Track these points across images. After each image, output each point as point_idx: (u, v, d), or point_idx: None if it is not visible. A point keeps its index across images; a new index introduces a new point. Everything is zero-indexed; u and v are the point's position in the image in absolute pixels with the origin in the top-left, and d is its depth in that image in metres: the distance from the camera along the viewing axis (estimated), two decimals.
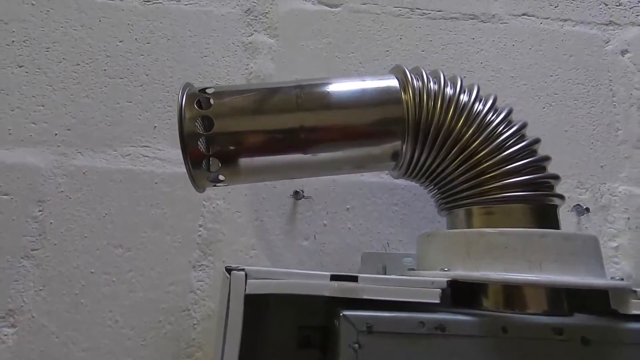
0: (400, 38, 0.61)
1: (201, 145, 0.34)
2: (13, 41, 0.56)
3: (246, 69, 0.58)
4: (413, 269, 0.44)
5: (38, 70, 0.55)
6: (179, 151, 0.54)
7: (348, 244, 0.51)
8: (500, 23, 0.62)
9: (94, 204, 0.50)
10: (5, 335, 0.45)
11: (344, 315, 0.28)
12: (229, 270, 0.30)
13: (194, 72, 0.57)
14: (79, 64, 0.56)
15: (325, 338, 0.41)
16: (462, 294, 0.34)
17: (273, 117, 0.35)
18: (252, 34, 0.59)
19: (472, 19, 0.62)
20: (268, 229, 0.51)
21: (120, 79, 0.56)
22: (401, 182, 0.54)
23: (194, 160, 0.34)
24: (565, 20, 0.62)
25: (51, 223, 0.49)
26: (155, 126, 0.54)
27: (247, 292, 0.29)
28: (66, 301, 0.47)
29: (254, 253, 0.50)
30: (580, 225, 0.52)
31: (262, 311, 0.41)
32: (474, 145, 0.35)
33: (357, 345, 0.28)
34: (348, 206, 0.52)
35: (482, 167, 0.35)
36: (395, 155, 0.38)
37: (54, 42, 0.57)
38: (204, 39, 0.59)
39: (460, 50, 0.60)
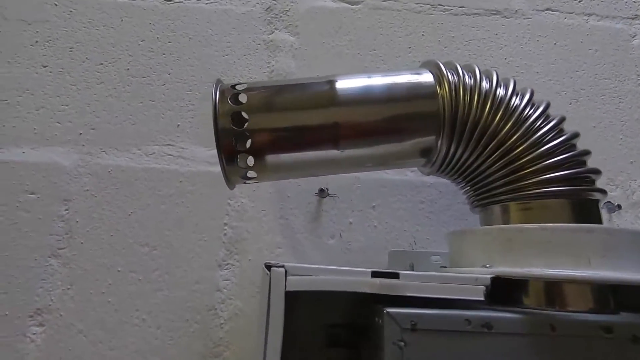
0: (423, 34, 0.60)
1: (235, 141, 0.34)
2: (37, 41, 0.56)
3: (267, 66, 0.58)
4: (444, 267, 0.43)
5: (62, 70, 0.56)
6: (203, 149, 0.54)
7: (374, 242, 0.50)
8: (524, 18, 0.61)
9: (119, 203, 0.50)
10: (34, 334, 0.45)
11: (387, 312, 0.28)
12: (268, 266, 0.30)
13: (216, 70, 0.57)
14: (102, 64, 0.56)
15: (354, 336, 0.40)
16: (499, 291, 0.33)
17: (306, 113, 0.35)
18: (272, 32, 0.59)
19: (494, 14, 0.61)
20: (293, 227, 0.51)
21: (143, 77, 0.56)
22: (427, 179, 0.53)
23: (228, 156, 0.34)
24: (590, 14, 0.61)
25: (77, 222, 0.49)
26: (178, 125, 0.54)
27: (288, 289, 0.29)
28: (94, 300, 0.47)
29: (279, 252, 0.50)
30: (612, 223, 0.51)
31: (291, 309, 0.40)
32: (511, 141, 0.35)
33: (402, 343, 0.27)
34: (373, 204, 0.52)
35: (520, 162, 0.35)
36: (429, 151, 0.37)
37: (77, 42, 0.57)
38: (224, 38, 0.59)
39: (483, 46, 0.60)
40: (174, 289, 0.48)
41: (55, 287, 0.47)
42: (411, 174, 0.53)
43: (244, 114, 0.34)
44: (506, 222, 0.36)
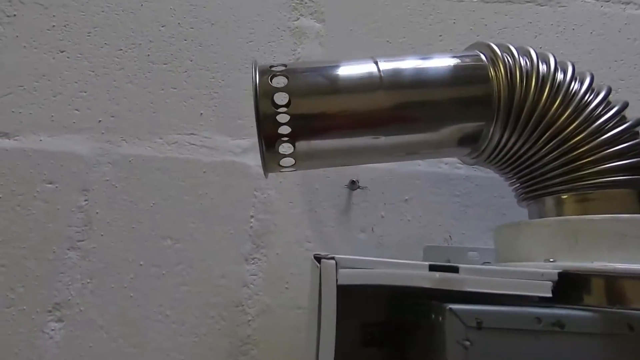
0: (454, 22, 0.58)
1: (275, 125, 0.32)
2: (53, 26, 0.54)
3: (293, 54, 0.56)
4: (488, 262, 0.41)
5: (80, 55, 0.53)
6: (227, 139, 0.52)
7: (408, 237, 0.48)
8: (559, 6, 0.58)
9: (141, 193, 0.48)
10: (53, 330, 0.43)
11: (450, 309, 0.26)
12: (318, 258, 0.28)
13: (240, 57, 0.55)
14: (121, 49, 0.54)
15: (390, 335, 0.38)
16: (558, 287, 0.31)
17: (352, 96, 0.32)
18: (298, 19, 0.57)
19: (528, 2, 0.59)
20: (322, 220, 0.48)
21: (164, 64, 0.54)
22: (462, 172, 0.51)
23: (268, 141, 0.32)
24: (627, 3, 0.59)
25: (97, 213, 0.47)
26: (201, 113, 0.52)
27: (339, 282, 0.27)
28: (115, 295, 0.45)
29: (308, 245, 0.47)
30: None
31: None
32: (570, 128, 0.32)
33: (468, 343, 0.25)
34: (406, 197, 0.50)
35: (578, 151, 0.32)
36: (478, 138, 0.35)
37: (95, 26, 0.55)
38: (248, 24, 0.56)
39: (517, 35, 0.57)
40: (198, 284, 0.45)
41: (74, 280, 0.45)
42: (445, 166, 0.51)
43: (283, 97, 0.32)
44: (560, 214, 0.34)
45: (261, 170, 0.50)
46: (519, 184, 0.38)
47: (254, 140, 0.51)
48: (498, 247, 0.37)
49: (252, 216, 0.48)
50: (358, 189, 0.49)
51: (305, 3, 0.57)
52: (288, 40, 0.56)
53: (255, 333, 0.44)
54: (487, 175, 0.51)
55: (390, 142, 0.34)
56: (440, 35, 0.57)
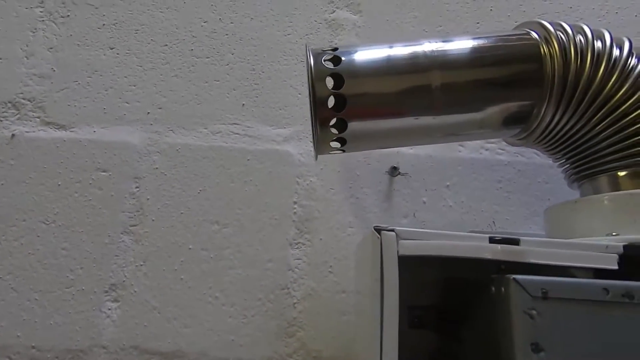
0: (491, 10, 0.58)
1: (330, 107, 0.33)
2: (104, 24, 0.57)
3: (330, 46, 0.57)
4: None
5: (128, 51, 0.56)
6: (269, 128, 0.53)
7: (450, 222, 0.48)
8: None
9: (189, 181, 0.50)
10: (109, 309, 0.45)
11: (514, 279, 0.26)
12: (378, 230, 0.28)
13: (278, 50, 0.56)
14: (166, 45, 0.56)
15: (441, 319, 0.38)
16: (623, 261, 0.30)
17: (406, 76, 0.33)
18: (334, 11, 0.58)
19: None
20: (365, 207, 0.49)
21: (207, 58, 0.56)
22: (504, 157, 0.50)
23: (322, 121, 0.33)
24: None
25: (148, 199, 0.49)
26: (243, 104, 0.54)
27: (401, 253, 0.27)
28: (167, 277, 0.46)
29: (351, 231, 0.48)
30: None
31: None
32: (629, 103, 0.32)
33: (534, 312, 0.25)
34: (448, 183, 0.50)
35: (637, 126, 0.32)
36: (528, 118, 0.35)
37: (141, 24, 0.57)
38: (286, 17, 0.58)
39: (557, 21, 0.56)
40: (246, 267, 0.47)
41: (128, 263, 0.47)
42: (486, 152, 0.51)
43: (337, 78, 0.33)
44: (618, 190, 0.33)
45: (303, 158, 0.51)
46: (568, 165, 0.38)
47: (295, 129, 0.53)
48: (551, 227, 0.37)
49: (295, 202, 0.49)
50: (399, 175, 0.49)
51: None
52: (325, 32, 0.57)
53: (300, 316, 0.45)
54: (529, 160, 0.51)
55: (442, 122, 0.34)
56: (478, 23, 0.57)
